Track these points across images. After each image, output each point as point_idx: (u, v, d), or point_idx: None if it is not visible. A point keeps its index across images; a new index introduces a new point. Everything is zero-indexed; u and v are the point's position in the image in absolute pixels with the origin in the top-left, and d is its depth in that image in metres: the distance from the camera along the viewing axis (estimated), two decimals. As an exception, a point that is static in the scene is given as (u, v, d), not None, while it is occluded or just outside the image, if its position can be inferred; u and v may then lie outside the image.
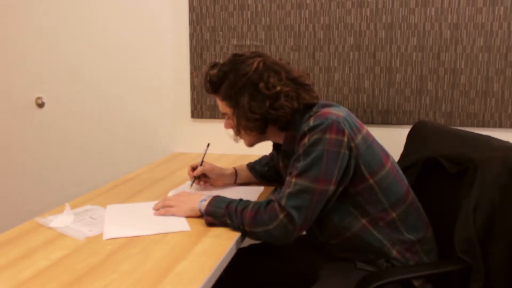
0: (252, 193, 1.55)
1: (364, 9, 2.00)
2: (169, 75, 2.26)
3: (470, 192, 1.16)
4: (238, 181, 1.65)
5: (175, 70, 2.25)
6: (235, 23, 2.13)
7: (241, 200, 1.27)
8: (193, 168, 1.60)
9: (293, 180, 1.18)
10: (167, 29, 2.22)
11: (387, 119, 2.05)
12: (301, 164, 1.17)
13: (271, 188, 1.63)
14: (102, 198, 1.52)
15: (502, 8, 1.88)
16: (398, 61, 2.01)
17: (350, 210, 1.25)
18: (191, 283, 0.96)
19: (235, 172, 1.64)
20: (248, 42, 2.13)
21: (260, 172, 1.65)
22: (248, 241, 1.54)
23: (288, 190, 1.18)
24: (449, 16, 1.94)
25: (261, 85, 1.26)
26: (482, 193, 1.14)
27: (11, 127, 2.48)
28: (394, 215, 1.24)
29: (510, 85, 1.93)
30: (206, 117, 2.23)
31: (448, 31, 1.94)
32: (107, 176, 2.36)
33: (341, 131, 1.17)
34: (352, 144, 1.18)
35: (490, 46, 1.92)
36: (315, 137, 1.17)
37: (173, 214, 1.33)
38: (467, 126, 1.98)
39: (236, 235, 1.22)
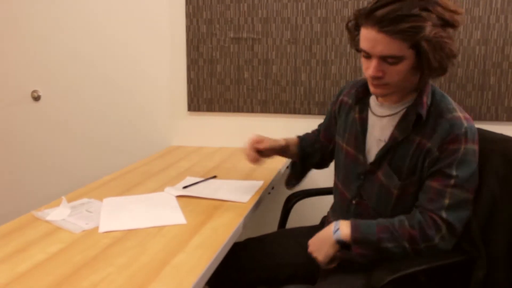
0: (250, 188, 1.55)
1: (361, 2, 1.99)
2: (166, 68, 2.25)
3: None
4: (283, 155, 1.55)
5: (172, 63, 2.24)
6: (231, 16, 2.12)
7: (382, 219, 1.20)
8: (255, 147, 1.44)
9: (450, 190, 1.14)
10: (164, 22, 2.21)
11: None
12: (457, 175, 1.13)
13: (269, 180, 1.63)
14: (98, 192, 1.51)
15: (499, 1, 1.88)
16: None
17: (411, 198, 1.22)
18: (188, 276, 0.96)
19: (286, 146, 1.52)
20: (245, 35, 2.12)
21: (305, 152, 1.56)
22: (245, 235, 1.54)
23: (447, 202, 1.13)
24: (446, 9, 1.93)
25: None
26: (482, 185, 1.16)
27: (7, 121, 2.47)
28: None
29: (506, 78, 1.93)
30: (203, 110, 2.23)
31: (445, 24, 1.94)
32: (104, 169, 2.36)
33: (477, 142, 1.17)
34: None
35: (487, 39, 1.92)
36: (469, 147, 1.14)
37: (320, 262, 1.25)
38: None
39: (233, 228, 1.22)
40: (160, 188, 1.54)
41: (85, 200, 1.43)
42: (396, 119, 1.23)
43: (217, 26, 2.14)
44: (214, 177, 1.67)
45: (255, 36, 2.12)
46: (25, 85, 2.41)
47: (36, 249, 1.09)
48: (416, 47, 1.08)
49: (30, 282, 0.94)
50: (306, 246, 1.29)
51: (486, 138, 1.24)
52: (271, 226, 2.21)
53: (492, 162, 1.17)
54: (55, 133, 2.43)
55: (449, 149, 1.14)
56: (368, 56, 1.14)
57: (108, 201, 1.42)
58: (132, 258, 1.04)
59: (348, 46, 2.03)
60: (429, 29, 1.05)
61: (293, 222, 1.76)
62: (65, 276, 0.96)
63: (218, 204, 1.40)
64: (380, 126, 1.26)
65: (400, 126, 1.21)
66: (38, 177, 2.50)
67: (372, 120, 1.29)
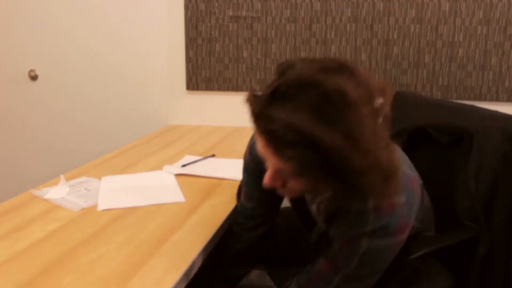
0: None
1: (362, -21, 1.96)
2: (164, 46, 2.23)
3: (468, 161, 1.18)
4: None
5: (170, 42, 2.21)
6: (231, -6, 2.09)
7: None
8: None
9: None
10: (162, 0, 2.17)
11: (383, 92, 2.03)
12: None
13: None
14: (97, 170, 1.51)
15: (502, -21, 1.85)
16: (395, 33, 1.98)
17: None
18: (186, 253, 0.96)
19: None
20: (244, 13, 2.09)
21: None
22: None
23: None
24: (449, -12, 1.91)
25: None
26: (482, 162, 1.16)
27: (4, 100, 2.45)
28: None
29: (508, 59, 1.92)
30: (202, 89, 2.21)
31: (447, 4, 1.92)
32: (102, 148, 2.35)
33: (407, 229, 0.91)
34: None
35: (489, 19, 1.89)
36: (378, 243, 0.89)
37: None
38: (464, 99, 1.97)
39: (232, 206, 1.22)
40: (158, 167, 1.54)
41: (83, 178, 1.42)
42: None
43: (216, 4, 2.11)
44: (213, 155, 1.67)
45: (254, 15, 2.09)
46: (22, 65, 2.39)
47: (35, 227, 1.09)
48: None
49: (29, 260, 0.94)
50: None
51: (485, 115, 1.24)
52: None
53: (493, 139, 1.17)
54: (53, 112, 2.42)
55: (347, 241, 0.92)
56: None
57: (107, 179, 1.41)
58: (131, 235, 1.04)
59: (348, 25, 2.01)
60: None
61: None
62: (64, 253, 0.97)
63: (217, 182, 1.40)
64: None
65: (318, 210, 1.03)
66: (36, 156, 2.50)
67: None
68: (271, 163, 0.81)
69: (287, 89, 0.74)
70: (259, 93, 0.78)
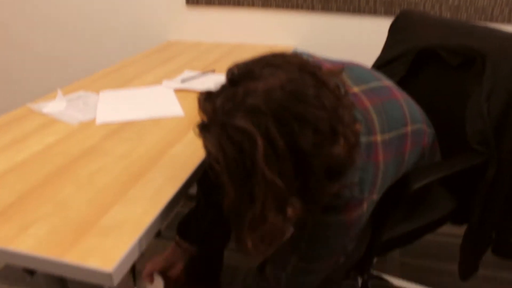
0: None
1: None
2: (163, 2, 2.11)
3: (481, 83, 1.14)
4: None
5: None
6: None
7: None
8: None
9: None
10: None
11: (390, 10, 1.95)
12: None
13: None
14: (95, 85, 1.48)
15: None
16: None
17: None
18: (184, 166, 0.96)
19: None
20: None
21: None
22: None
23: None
24: None
25: None
26: (496, 84, 1.12)
27: (1, 11, 2.37)
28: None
29: (524, -25, 1.81)
30: (202, 4, 2.12)
31: None
32: (100, 63, 2.31)
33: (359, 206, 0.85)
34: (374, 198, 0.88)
35: None
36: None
37: None
38: (475, 20, 1.89)
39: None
40: (157, 82, 1.51)
41: (81, 93, 1.40)
42: None
43: None
44: (213, 71, 1.63)
45: None
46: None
47: (34, 140, 1.09)
48: None
49: (28, 171, 0.95)
50: None
51: (500, 36, 1.18)
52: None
53: (509, 59, 1.12)
54: (49, 26, 2.34)
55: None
56: None
57: (105, 93, 1.39)
58: (129, 148, 1.04)
59: None
60: None
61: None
62: (62, 166, 0.97)
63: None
64: None
65: None
66: (33, 70, 2.46)
67: None
68: None
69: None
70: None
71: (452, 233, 1.84)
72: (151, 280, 1.24)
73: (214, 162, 0.68)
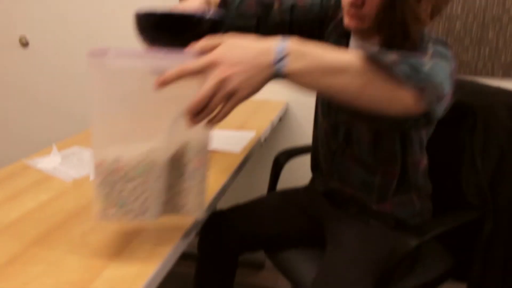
0: (242, 138, 1.54)
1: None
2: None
3: (473, 138, 1.17)
4: None
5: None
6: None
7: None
8: None
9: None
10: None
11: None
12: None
13: (261, 131, 1.62)
14: (89, 140, 1.50)
15: (503, -49, 1.82)
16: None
17: (407, 144, 1.13)
18: (180, 221, 0.96)
19: None
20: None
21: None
22: (234, 197, 1.54)
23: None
24: (448, -41, 1.87)
25: None
26: (488, 139, 1.15)
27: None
28: (425, 162, 1.20)
29: (505, 33, 1.90)
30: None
31: (446, -25, 1.88)
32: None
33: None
34: None
35: (488, -8, 1.87)
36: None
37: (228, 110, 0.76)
38: (459, 73, 1.96)
39: (224, 179, 1.22)
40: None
41: (75, 149, 1.42)
42: None
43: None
44: None
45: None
46: (12, 31, 2.34)
47: (27, 197, 1.09)
48: None
49: (21, 230, 0.94)
50: (300, 207, 1.27)
51: (489, 91, 1.23)
52: (261, 189, 2.23)
53: (498, 115, 1.16)
54: (44, 79, 2.39)
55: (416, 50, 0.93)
56: None
57: (99, 150, 1.40)
58: (123, 207, 1.04)
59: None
60: None
61: (284, 182, 1.75)
62: (57, 224, 0.97)
63: (210, 153, 1.40)
64: None
65: None
66: (27, 124, 2.48)
67: None
68: None
69: None
70: None
71: None
72: None
73: None
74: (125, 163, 0.77)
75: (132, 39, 2.23)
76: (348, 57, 0.75)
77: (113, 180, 0.78)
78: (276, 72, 0.73)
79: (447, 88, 0.81)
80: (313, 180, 1.43)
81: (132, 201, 0.79)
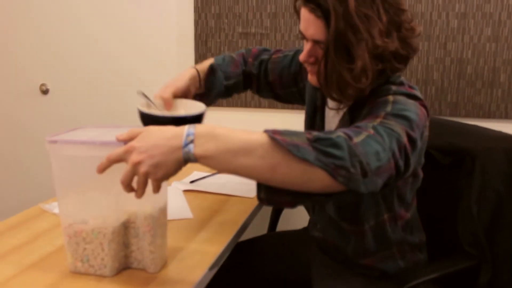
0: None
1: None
2: (174, 63, 2.24)
3: (470, 183, 1.15)
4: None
5: (180, 58, 2.23)
6: (240, 11, 2.11)
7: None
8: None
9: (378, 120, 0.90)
10: (172, 16, 2.20)
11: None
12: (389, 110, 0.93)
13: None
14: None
15: (510, -3, 1.86)
16: (404, 50, 1.98)
17: (379, 201, 1.07)
18: (195, 269, 0.96)
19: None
20: (253, 30, 2.11)
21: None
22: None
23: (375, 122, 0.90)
24: (457, 5, 1.91)
25: None
26: (484, 184, 1.13)
27: (16, 114, 2.48)
28: (409, 215, 1.12)
29: (517, 76, 1.91)
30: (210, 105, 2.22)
31: (456, 20, 1.92)
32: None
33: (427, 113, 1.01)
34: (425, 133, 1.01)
35: (498, 36, 1.90)
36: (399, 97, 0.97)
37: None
38: (473, 117, 1.96)
39: (239, 224, 1.22)
40: (167, 183, 1.54)
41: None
42: (340, 114, 1.09)
43: (226, 20, 2.14)
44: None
45: (263, 31, 2.11)
46: (33, 79, 2.42)
47: (44, 241, 1.10)
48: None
49: (38, 274, 0.95)
50: (295, 253, 1.26)
51: (489, 135, 1.22)
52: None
53: (496, 160, 1.14)
54: (63, 126, 2.44)
55: (377, 102, 0.97)
56: (305, 38, 1.00)
57: (116, 194, 1.42)
58: (139, 251, 1.05)
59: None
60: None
61: (284, 223, 1.74)
62: (72, 269, 0.97)
63: (225, 198, 1.40)
64: (327, 118, 1.15)
65: (341, 123, 1.08)
66: (46, 170, 2.51)
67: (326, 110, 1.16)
68: (310, 32, 0.95)
69: None
70: None
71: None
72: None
73: None
74: (83, 228, 0.93)
75: (150, 92, 2.29)
76: (257, 137, 0.78)
77: (77, 241, 0.94)
78: (185, 155, 0.79)
79: (383, 161, 0.81)
80: (308, 223, 1.42)
81: (93, 258, 0.94)
